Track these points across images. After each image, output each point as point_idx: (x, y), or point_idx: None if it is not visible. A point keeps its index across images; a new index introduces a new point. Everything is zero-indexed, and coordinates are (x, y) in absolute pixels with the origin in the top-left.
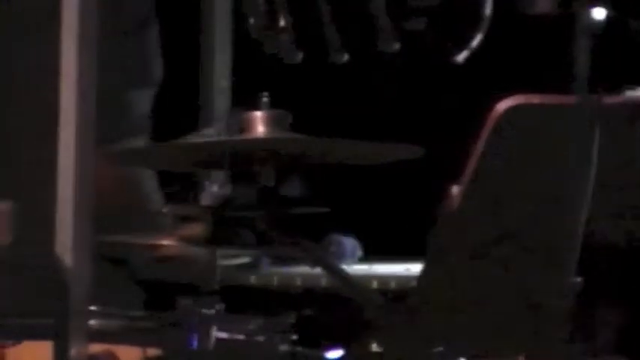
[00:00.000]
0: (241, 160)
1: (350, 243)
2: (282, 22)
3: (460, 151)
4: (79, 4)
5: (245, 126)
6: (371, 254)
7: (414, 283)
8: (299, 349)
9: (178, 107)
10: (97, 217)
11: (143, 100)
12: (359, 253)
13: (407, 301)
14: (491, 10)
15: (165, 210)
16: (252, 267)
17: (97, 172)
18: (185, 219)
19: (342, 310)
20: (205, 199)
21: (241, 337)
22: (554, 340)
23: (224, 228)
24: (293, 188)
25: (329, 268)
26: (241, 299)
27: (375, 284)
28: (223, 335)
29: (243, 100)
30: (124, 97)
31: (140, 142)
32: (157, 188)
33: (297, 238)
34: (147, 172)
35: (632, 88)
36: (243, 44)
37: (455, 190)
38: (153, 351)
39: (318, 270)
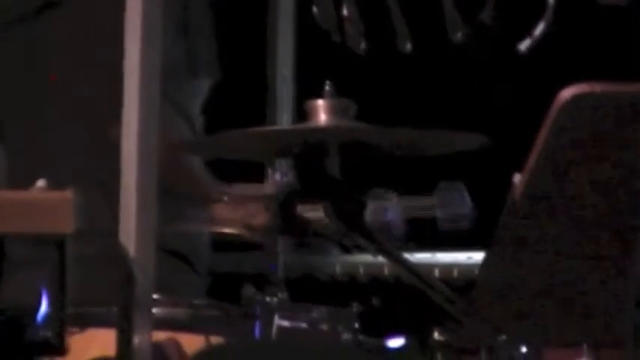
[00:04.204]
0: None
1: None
2: (345, 11)
3: (525, 140)
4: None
5: (309, 114)
6: (434, 243)
7: (476, 272)
8: (361, 337)
9: (247, 96)
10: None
11: (202, 90)
12: (469, 201)
13: (471, 289)
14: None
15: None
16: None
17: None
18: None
19: (405, 299)
20: (269, 188)
21: (304, 325)
22: (618, 329)
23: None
24: (332, 168)
25: (393, 257)
26: (307, 288)
27: (437, 273)
28: (285, 324)
29: (309, 88)
30: (185, 87)
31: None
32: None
33: (365, 227)
34: (195, 159)
35: None
36: (311, 33)
37: (517, 178)
38: (216, 339)
39: (380, 259)
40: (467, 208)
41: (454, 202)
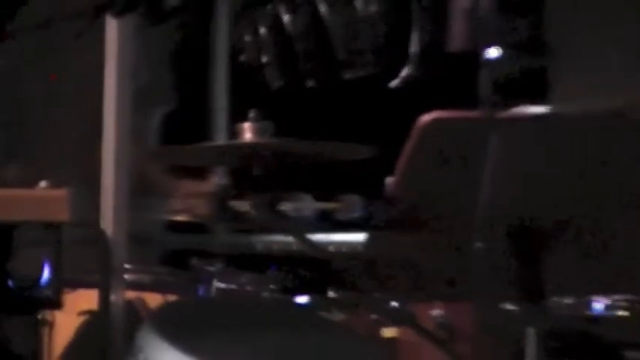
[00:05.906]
0: (241, 159)
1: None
2: (264, 59)
3: (397, 152)
4: (118, 36)
5: (238, 134)
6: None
7: (361, 249)
8: (277, 295)
9: (193, 120)
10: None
11: (158, 116)
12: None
13: (357, 261)
14: (418, 48)
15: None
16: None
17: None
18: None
19: (308, 268)
20: (209, 187)
21: (235, 287)
22: (461, 290)
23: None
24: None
25: (299, 237)
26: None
27: (331, 248)
28: (222, 286)
29: (240, 115)
30: (149, 112)
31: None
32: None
33: (280, 215)
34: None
35: (522, 105)
36: (240, 74)
37: (389, 180)
38: (171, 297)
39: (290, 238)
40: (362, 213)
41: (354, 209)
